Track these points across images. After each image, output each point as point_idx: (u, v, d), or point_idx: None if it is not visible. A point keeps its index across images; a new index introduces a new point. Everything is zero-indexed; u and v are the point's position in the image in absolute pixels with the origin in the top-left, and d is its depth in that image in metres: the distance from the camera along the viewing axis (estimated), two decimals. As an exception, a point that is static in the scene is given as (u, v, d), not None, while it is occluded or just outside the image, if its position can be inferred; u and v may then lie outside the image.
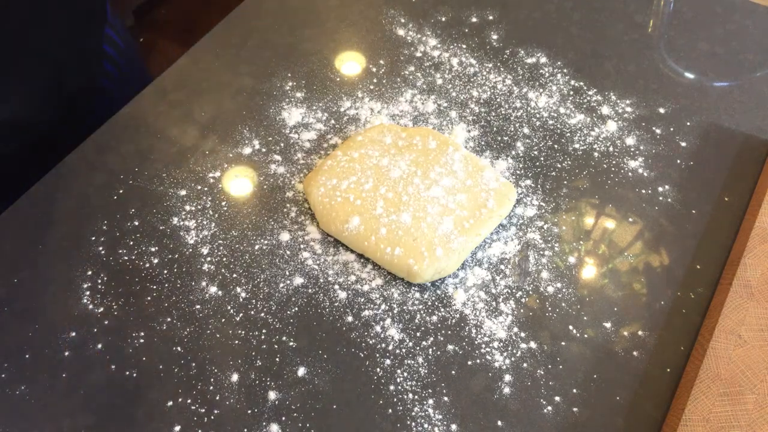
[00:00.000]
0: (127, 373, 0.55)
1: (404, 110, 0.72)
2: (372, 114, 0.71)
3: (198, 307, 0.58)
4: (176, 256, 0.61)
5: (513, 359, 0.56)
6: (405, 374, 0.55)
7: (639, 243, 0.63)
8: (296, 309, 0.58)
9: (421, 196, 0.62)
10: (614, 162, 0.68)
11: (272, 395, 0.54)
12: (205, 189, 0.66)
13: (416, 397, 0.54)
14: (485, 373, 0.55)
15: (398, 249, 0.59)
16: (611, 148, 0.69)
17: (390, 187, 0.62)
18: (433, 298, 0.59)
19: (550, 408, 0.54)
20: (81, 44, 0.73)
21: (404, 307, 0.58)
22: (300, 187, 0.66)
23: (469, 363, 0.56)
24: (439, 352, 0.56)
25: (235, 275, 0.60)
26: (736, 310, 0.56)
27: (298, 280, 0.60)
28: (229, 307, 0.58)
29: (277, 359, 0.56)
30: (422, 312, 0.58)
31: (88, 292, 0.59)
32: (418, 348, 0.56)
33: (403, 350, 0.56)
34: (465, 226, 0.61)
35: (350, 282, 0.60)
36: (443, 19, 0.81)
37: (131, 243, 0.62)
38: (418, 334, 0.57)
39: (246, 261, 0.61)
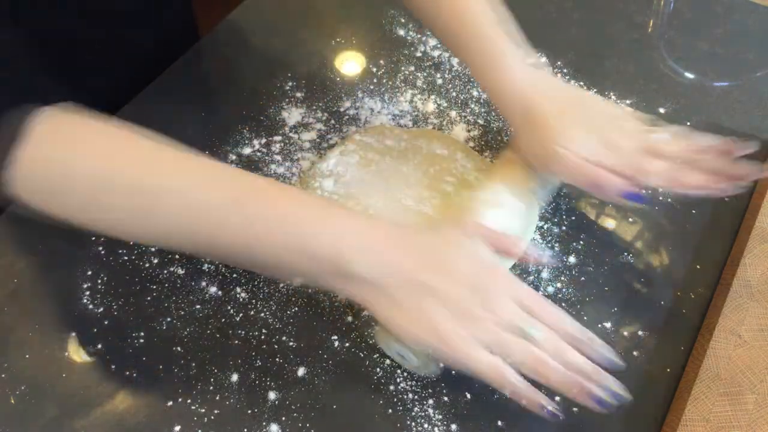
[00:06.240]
0: (127, 373, 0.55)
1: (404, 110, 0.72)
2: (372, 114, 0.71)
3: (198, 307, 0.58)
4: (176, 256, 0.61)
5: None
6: (405, 374, 0.55)
7: (639, 243, 0.63)
8: (296, 309, 0.58)
9: (434, 206, 0.61)
10: (614, 162, 0.68)
11: (272, 395, 0.54)
12: (205, 189, 0.66)
13: (416, 397, 0.54)
14: (485, 373, 0.55)
15: None
16: (611, 148, 0.69)
17: (392, 194, 0.61)
18: (433, 298, 0.59)
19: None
20: None
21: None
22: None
23: (469, 363, 0.56)
24: (439, 352, 0.56)
25: (235, 275, 0.60)
26: (736, 310, 0.56)
27: (298, 280, 0.60)
28: (229, 307, 0.58)
29: (277, 359, 0.56)
30: (422, 312, 0.58)
31: (88, 292, 0.59)
32: (418, 348, 0.56)
33: (403, 350, 0.56)
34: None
35: (350, 282, 0.60)
36: (443, 19, 0.80)
37: (131, 243, 0.62)
38: (418, 334, 0.57)
39: (246, 261, 0.61)
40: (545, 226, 0.63)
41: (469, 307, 0.46)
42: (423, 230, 0.53)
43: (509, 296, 0.48)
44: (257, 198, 0.48)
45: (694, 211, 0.65)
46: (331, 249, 0.46)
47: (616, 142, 0.54)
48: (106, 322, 0.57)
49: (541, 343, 0.46)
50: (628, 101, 0.72)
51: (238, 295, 0.59)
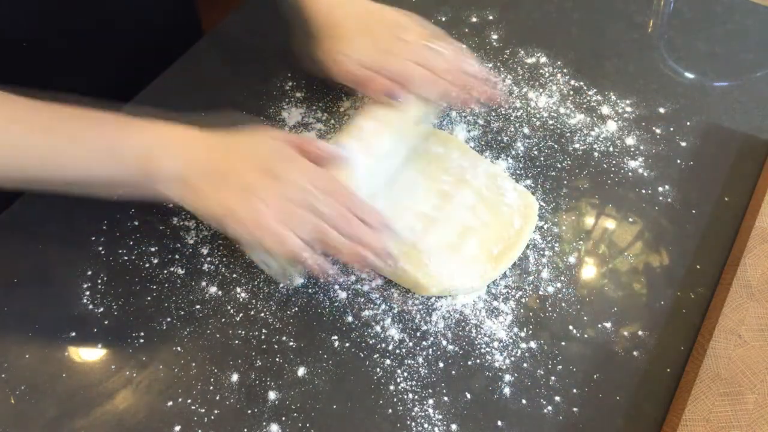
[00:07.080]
0: (127, 373, 0.55)
1: (404, 110, 0.72)
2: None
3: (198, 307, 0.58)
4: (176, 256, 0.61)
5: (513, 359, 0.56)
6: (405, 374, 0.55)
7: (639, 243, 0.63)
8: (296, 309, 0.58)
9: (433, 205, 0.61)
10: (614, 162, 0.68)
11: (272, 395, 0.54)
12: (205, 189, 0.66)
13: (416, 397, 0.54)
14: (485, 373, 0.55)
15: (401, 263, 0.57)
16: (611, 148, 0.69)
17: (389, 193, 0.61)
18: (433, 298, 0.59)
19: (550, 408, 0.54)
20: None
21: (404, 307, 0.58)
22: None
23: (469, 363, 0.56)
24: (439, 352, 0.56)
25: (235, 275, 0.60)
26: (736, 310, 0.56)
27: (298, 280, 0.60)
28: (229, 307, 0.58)
29: (277, 359, 0.56)
30: (422, 312, 0.58)
31: (88, 292, 0.59)
32: (418, 348, 0.56)
33: (403, 350, 0.56)
34: (493, 253, 0.59)
35: (350, 282, 0.60)
36: (443, 19, 0.80)
37: (131, 243, 0.62)
38: (417, 334, 0.57)
39: (246, 261, 0.61)
40: (545, 226, 0.63)
41: (260, 185, 0.51)
42: (231, 131, 0.56)
43: (304, 179, 0.52)
44: (77, 118, 0.52)
45: (694, 211, 0.65)
46: (138, 150, 0.52)
47: (390, 50, 0.60)
48: (106, 322, 0.57)
49: (328, 217, 0.51)
50: (628, 101, 0.72)
51: (238, 295, 0.59)
